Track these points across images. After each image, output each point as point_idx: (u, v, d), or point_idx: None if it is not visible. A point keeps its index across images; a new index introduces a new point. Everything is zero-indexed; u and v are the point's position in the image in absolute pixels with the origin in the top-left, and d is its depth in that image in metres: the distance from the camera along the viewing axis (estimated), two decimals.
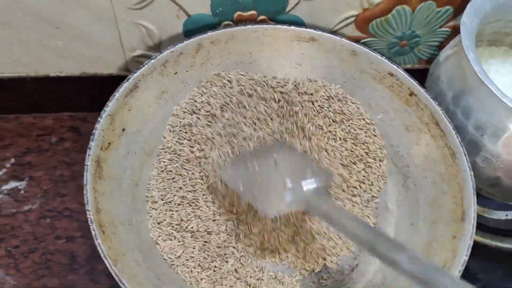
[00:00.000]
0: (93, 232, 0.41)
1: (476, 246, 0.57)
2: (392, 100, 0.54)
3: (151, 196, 0.51)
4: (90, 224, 0.42)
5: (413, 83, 0.52)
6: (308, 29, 0.54)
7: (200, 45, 0.52)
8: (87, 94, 0.62)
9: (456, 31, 0.57)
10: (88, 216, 0.42)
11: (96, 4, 0.51)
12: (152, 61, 0.50)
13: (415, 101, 0.52)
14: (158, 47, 0.57)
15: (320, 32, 0.54)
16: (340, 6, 0.54)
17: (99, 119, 0.47)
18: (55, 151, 0.64)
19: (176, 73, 0.52)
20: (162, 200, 0.50)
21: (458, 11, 0.55)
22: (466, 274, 0.57)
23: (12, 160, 0.63)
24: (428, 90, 0.52)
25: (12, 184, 0.62)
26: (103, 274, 0.58)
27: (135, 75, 0.49)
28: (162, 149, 0.53)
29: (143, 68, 0.50)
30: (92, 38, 0.55)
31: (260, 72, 0.56)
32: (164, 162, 0.52)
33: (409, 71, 0.53)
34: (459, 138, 0.49)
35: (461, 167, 0.48)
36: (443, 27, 0.58)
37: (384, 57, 0.53)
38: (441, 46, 0.60)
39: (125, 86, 0.49)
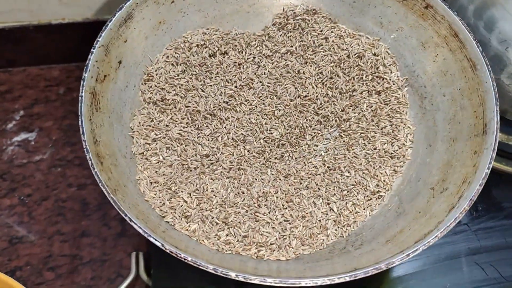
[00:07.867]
0: (89, 162, 0.40)
1: (500, 174, 0.53)
2: (406, 16, 0.50)
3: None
4: (86, 154, 0.40)
5: None
6: None
7: None
8: (92, 43, 0.60)
9: None
10: (84, 146, 0.40)
11: None
12: None
13: (431, 14, 0.48)
14: None
15: None
16: None
17: (91, 49, 0.45)
18: (63, 101, 0.64)
19: (172, 1, 0.50)
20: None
21: None
22: (490, 202, 0.54)
23: (21, 112, 0.63)
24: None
25: (23, 136, 0.61)
26: (115, 219, 0.57)
27: (128, 3, 0.47)
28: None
29: None
30: None
31: None
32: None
33: None
34: (480, 48, 0.45)
35: (483, 78, 0.45)
36: None
37: None
38: None
39: (118, 15, 0.46)
